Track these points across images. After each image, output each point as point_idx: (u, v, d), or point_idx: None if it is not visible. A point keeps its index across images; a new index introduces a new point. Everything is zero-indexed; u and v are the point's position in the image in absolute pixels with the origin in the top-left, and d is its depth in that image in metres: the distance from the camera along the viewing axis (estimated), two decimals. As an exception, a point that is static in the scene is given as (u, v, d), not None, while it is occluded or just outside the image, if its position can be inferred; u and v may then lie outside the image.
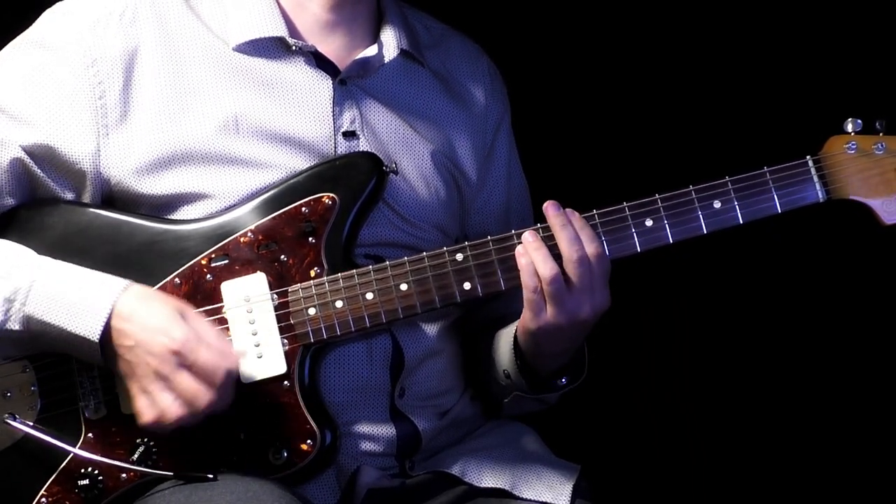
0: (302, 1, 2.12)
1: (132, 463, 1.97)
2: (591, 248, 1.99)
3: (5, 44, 2.11)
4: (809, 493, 2.92)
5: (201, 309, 1.99)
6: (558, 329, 2.00)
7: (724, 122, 2.82)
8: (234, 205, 2.04)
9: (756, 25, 2.83)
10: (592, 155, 2.87)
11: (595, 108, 2.89)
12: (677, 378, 2.96)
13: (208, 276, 2.02)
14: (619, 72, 2.89)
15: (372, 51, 2.14)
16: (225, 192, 2.04)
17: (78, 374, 2.01)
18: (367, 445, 2.06)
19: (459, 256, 2.03)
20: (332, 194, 2.04)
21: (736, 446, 2.96)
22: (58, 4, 2.10)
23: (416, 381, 2.11)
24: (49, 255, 2.01)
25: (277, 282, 2.02)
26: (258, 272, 2.02)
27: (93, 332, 1.92)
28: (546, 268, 1.98)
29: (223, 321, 2.00)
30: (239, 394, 1.97)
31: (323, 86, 2.10)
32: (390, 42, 2.15)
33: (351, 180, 2.05)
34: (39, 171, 2.05)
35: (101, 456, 1.97)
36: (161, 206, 2.05)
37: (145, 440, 1.98)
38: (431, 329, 2.12)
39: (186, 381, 1.90)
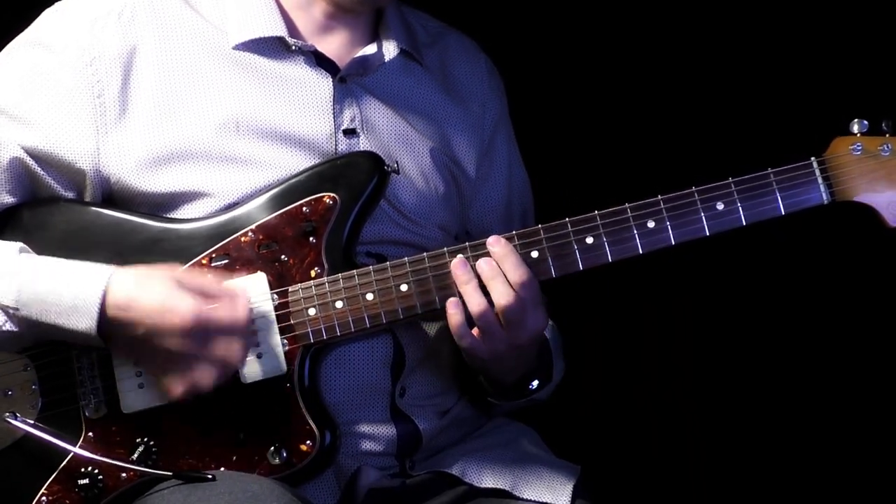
0: (303, 4, 2.11)
1: (132, 462, 1.97)
2: (514, 276, 1.97)
3: (5, 44, 2.10)
4: (809, 493, 2.92)
5: (211, 306, 1.96)
6: (499, 355, 2.01)
7: (728, 122, 2.81)
8: (235, 204, 2.04)
9: (761, 26, 2.82)
10: (594, 156, 2.87)
11: (597, 109, 2.88)
12: (678, 379, 2.96)
13: (209, 275, 2.01)
14: (621, 72, 2.88)
15: (371, 49, 2.13)
16: (225, 191, 2.04)
17: (78, 373, 2.01)
18: (367, 445, 2.06)
19: (459, 257, 2.02)
20: (332, 194, 2.04)
21: (736, 446, 2.96)
22: (57, 4, 2.10)
23: (417, 381, 2.11)
24: (51, 254, 2.01)
25: (278, 282, 2.01)
26: (258, 272, 2.02)
27: (89, 326, 1.92)
28: (473, 302, 1.98)
29: (223, 321, 2.00)
30: (239, 394, 1.98)
31: (323, 84, 2.10)
32: (389, 41, 2.15)
33: (352, 180, 2.04)
34: (39, 170, 2.05)
35: (101, 455, 1.97)
36: (161, 205, 2.05)
37: (145, 440, 1.98)
38: (432, 329, 2.12)
39: (217, 346, 1.91)
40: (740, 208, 2.02)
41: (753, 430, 2.94)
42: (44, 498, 1.98)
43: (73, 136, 2.03)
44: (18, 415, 2.00)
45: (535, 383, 2.11)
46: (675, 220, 2.02)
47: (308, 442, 1.98)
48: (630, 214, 2.02)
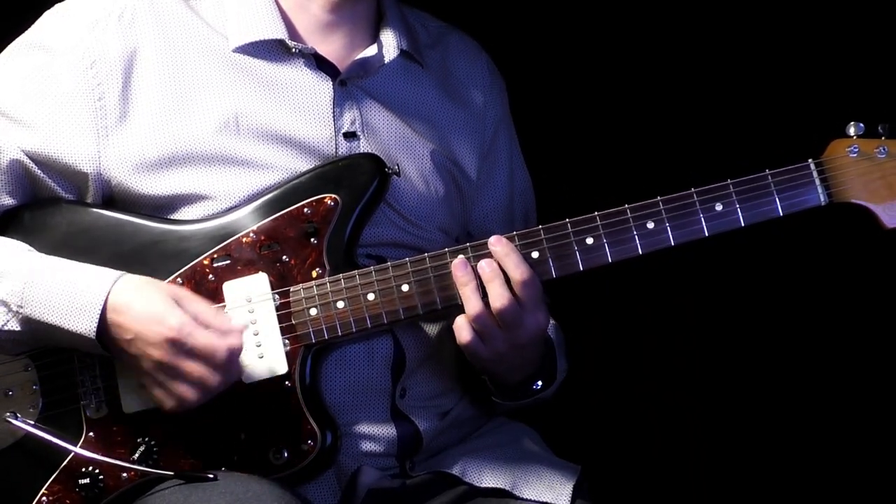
0: (302, 2, 2.12)
1: (133, 462, 1.98)
2: (516, 275, 1.97)
3: (5, 44, 2.11)
4: (809, 493, 2.92)
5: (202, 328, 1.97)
6: (501, 356, 2.01)
7: (727, 124, 2.82)
8: (236, 205, 2.04)
9: (759, 28, 2.83)
10: (594, 157, 2.87)
11: (597, 110, 2.89)
12: (678, 379, 2.97)
13: (210, 276, 2.02)
14: (621, 73, 2.89)
15: (371, 51, 2.14)
16: (225, 193, 2.04)
17: (79, 373, 2.01)
18: (367, 446, 2.06)
19: (460, 258, 2.03)
20: (334, 195, 2.04)
21: (736, 446, 2.96)
22: (57, 6, 2.10)
23: (418, 382, 2.11)
24: (52, 255, 2.01)
25: (279, 282, 2.02)
26: (260, 272, 2.02)
27: (89, 328, 1.93)
28: (470, 304, 1.99)
29: (225, 321, 2.01)
30: (240, 394, 1.98)
31: (323, 87, 2.10)
32: (390, 42, 2.15)
33: (353, 181, 2.05)
34: (39, 172, 2.05)
35: (102, 455, 1.97)
36: (161, 207, 2.05)
37: (146, 440, 1.98)
38: (433, 329, 2.13)
39: (191, 366, 1.91)
40: (739, 209, 2.03)
41: (753, 429, 2.95)
42: (44, 498, 1.98)
43: (74, 138, 2.04)
44: (19, 415, 2.00)
45: (539, 384, 2.11)
46: (674, 221, 2.03)
47: (309, 442, 1.99)
48: (630, 215, 2.03)
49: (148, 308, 1.92)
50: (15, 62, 2.08)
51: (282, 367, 2.00)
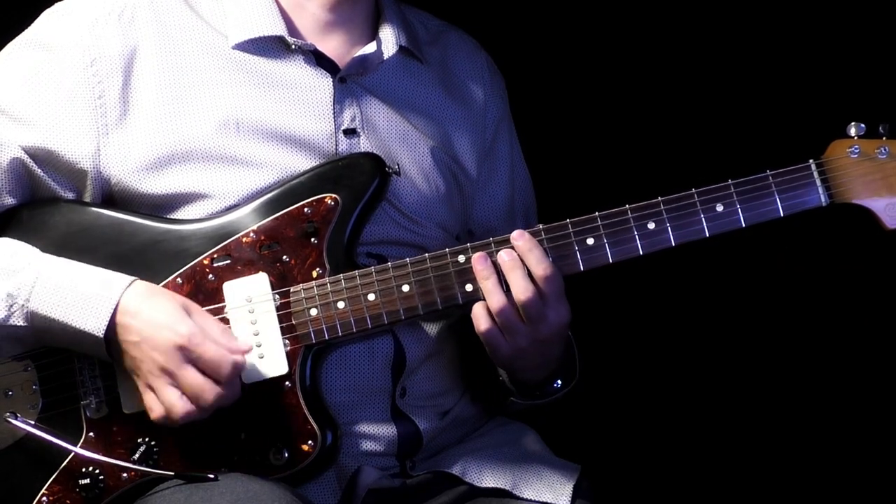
0: (300, 1, 2.12)
1: (133, 462, 1.97)
2: (539, 271, 1.97)
3: (5, 44, 2.10)
4: (809, 493, 2.93)
5: (203, 309, 1.98)
6: (523, 351, 2.01)
7: (728, 125, 2.82)
8: (236, 205, 2.04)
9: (760, 28, 2.83)
10: (595, 157, 2.87)
11: (598, 110, 2.89)
12: (678, 379, 2.97)
13: (210, 276, 2.02)
14: (622, 73, 2.89)
15: (371, 48, 2.14)
16: (225, 192, 2.04)
17: (79, 373, 2.01)
18: (367, 445, 2.06)
19: (461, 258, 2.03)
20: (334, 195, 2.04)
21: (736, 447, 2.96)
22: (57, 4, 2.10)
23: (418, 381, 2.11)
24: (52, 254, 2.01)
25: (279, 282, 2.02)
26: (260, 272, 2.02)
27: (98, 327, 1.93)
28: (493, 299, 1.98)
29: (225, 321, 2.00)
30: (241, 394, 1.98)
31: (323, 84, 2.10)
32: (389, 39, 2.15)
33: (353, 181, 2.04)
34: (40, 170, 2.05)
35: (103, 455, 1.97)
36: (161, 206, 2.05)
37: (146, 440, 1.98)
38: (433, 329, 2.13)
39: (192, 376, 1.91)
40: (740, 210, 2.03)
41: (753, 429, 2.95)
42: (45, 498, 1.98)
43: (74, 137, 2.03)
44: (19, 415, 1.99)
45: (559, 382, 2.11)
46: (675, 221, 2.03)
47: (309, 442, 1.99)
48: (630, 216, 2.03)
49: (159, 313, 1.92)
50: (15, 60, 2.08)
51: (282, 368, 1.99)
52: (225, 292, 2.01)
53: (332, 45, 2.12)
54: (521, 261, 1.98)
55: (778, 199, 2.03)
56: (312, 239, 2.03)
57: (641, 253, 2.03)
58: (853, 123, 2.06)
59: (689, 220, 2.03)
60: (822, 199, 2.04)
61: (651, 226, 2.03)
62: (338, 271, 2.02)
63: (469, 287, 2.02)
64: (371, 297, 2.01)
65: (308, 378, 2.01)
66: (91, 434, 1.99)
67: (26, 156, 2.04)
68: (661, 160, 2.82)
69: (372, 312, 2.01)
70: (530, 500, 2.07)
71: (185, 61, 2.07)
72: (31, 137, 2.04)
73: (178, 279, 2.02)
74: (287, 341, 2.00)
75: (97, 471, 1.98)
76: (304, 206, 2.04)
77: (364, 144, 2.10)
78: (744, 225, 2.03)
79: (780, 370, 2.94)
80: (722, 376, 2.95)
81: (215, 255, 2.02)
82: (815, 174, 2.04)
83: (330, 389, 2.04)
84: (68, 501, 1.98)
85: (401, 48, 2.16)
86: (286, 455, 1.98)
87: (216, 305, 2.01)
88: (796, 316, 2.91)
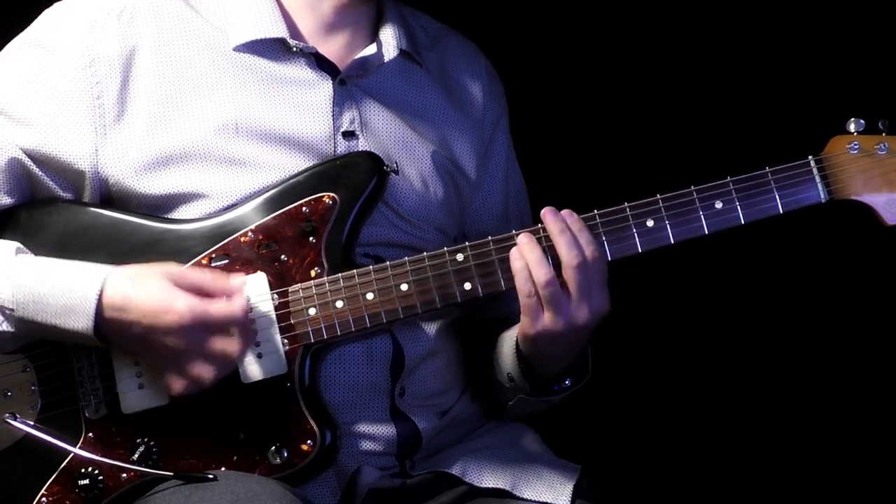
0: (312, 2, 2.12)
1: (132, 463, 1.97)
2: (588, 251, 1.98)
3: (4, 44, 2.10)
4: (809, 493, 2.92)
5: (208, 301, 1.95)
6: (558, 334, 1.99)
7: (726, 121, 2.82)
8: (234, 204, 2.04)
9: (759, 25, 2.83)
10: (594, 155, 2.87)
11: (596, 108, 2.89)
12: (678, 378, 2.96)
13: (206, 272, 2.01)
14: (620, 71, 2.89)
15: (371, 50, 2.14)
16: (223, 193, 2.04)
17: (78, 374, 2.01)
18: (367, 445, 2.06)
19: (460, 256, 2.02)
20: (332, 194, 2.04)
21: (736, 447, 2.96)
22: (56, 4, 2.10)
23: (417, 381, 2.11)
24: (49, 255, 2.01)
25: (278, 282, 2.01)
26: (258, 272, 2.02)
27: (85, 326, 1.93)
28: (541, 272, 1.97)
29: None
30: (239, 394, 1.98)
31: (323, 86, 2.10)
32: (389, 41, 2.15)
33: (351, 180, 2.04)
34: (38, 170, 2.05)
35: (102, 456, 1.97)
36: (159, 206, 2.05)
37: (146, 440, 1.98)
38: (431, 328, 2.12)
39: (213, 342, 1.91)
40: (739, 207, 2.02)
41: (753, 429, 2.95)
42: (44, 499, 1.98)
43: (72, 137, 2.03)
44: (18, 416, 1.99)
45: (569, 381, 2.10)
46: (674, 218, 2.02)
47: (309, 442, 1.98)
48: (629, 213, 2.02)
49: (150, 299, 1.91)
50: (14, 60, 2.08)
51: (281, 368, 1.99)
52: (224, 292, 2.01)
53: (333, 48, 2.12)
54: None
55: (777, 196, 2.03)
56: (311, 238, 2.03)
57: (640, 250, 2.03)
58: (852, 119, 2.05)
59: (688, 218, 2.02)
60: (822, 195, 2.04)
61: (650, 223, 2.02)
62: (336, 271, 2.02)
63: (467, 286, 2.02)
64: (370, 296, 2.01)
65: (307, 378, 2.00)
66: (90, 435, 1.99)
67: (24, 156, 2.04)
68: (659, 158, 2.82)
69: (370, 312, 2.01)
70: (530, 501, 2.06)
71: (185, 62, 2.07)
72: (29, 137, 2.04)
73: (177, 279, 2.01)
74: (286, 341, 2.00)
75: (96, 471, 1.98)
76: (302, 205, 2.04)
77: (363, 147, 2.10)
78: (743, 222, 2.03)
79: (780, 368, 2.94)
80: (722, 375, 2.94)
81: (213, 255, 2.02)
82: (815, 170, 2.04)
83: (329, 389, 2.03)
84: (67, 502, 1.98)
85: (401, 52, 2.15)
86: (285, 455, 1.98)
87: (211, 301, 2.00)
88: (796, 313, 2.90)
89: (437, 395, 2.14)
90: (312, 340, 2.00)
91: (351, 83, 2.12)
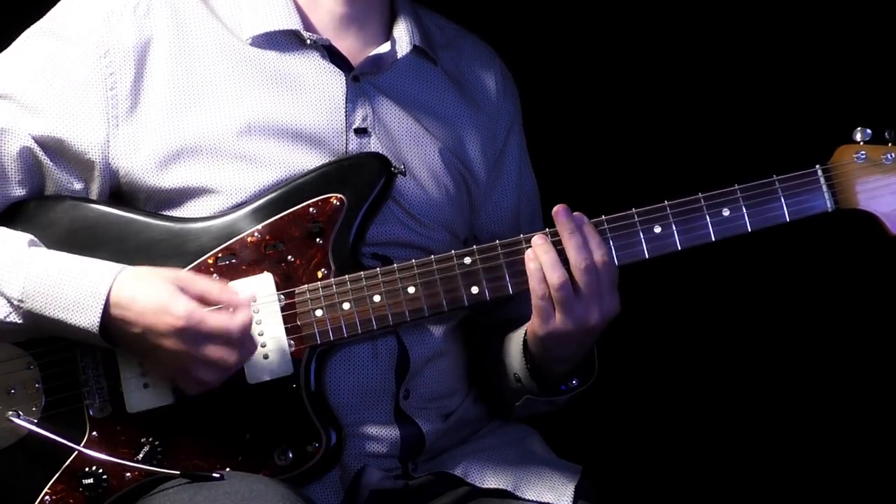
0: None
1: (137, 462, 1.97)
2: (598, 255, 1.99)
3: (6, 43, 2.09)
4: (810, 493, 2.94)
5: (209, 309, 1.95)
6: (567, 335, 2.00)
7: (734, 129, 2.82)
8: (242, 203, 2.03)
9: (767, 33, 2.83)
10: (602, 161, 2.87)
11: (605, 114, 2.88)
12: (681, 381, 2.97)
13: (214, 275, 2.01)
14: (629, 78, 2.88)
15: (385, 47, 2.13)
16: (233, 188, 2.03)
17: (83, 372, 2.00)
18: (371, 446, 2.06)
19: (468, 260, 2.03)
20: (339, 195, 2.03)
21: (737, 449, 2.97)
22: (72, -6, 2.09)
23: (421, 383, 2.11)
24: (53, 249, 2.00)
25: (284, 282, 2.01)
26: (265, 272, 2.01)
27: (91, 323, 1.92)
28: (555, 274, 1.98)
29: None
30: (245, 394, 1.97)
31: (336, 82, 2.09)
32: (403, 38, 2.14)
33: (359, 181, 2.04)
34: (49, 160, 2.04)
35: (106, 454, 1.96)
36: (168, 201, 2.04)
37: (151, 439, 1.98)
38: (437, 331, 2.12)
39: (208, 350, 1.90)
40: (746, 214, 2.03)
41: (754, 432, 2.96)
42: (47, 497, 1.98)
43: (84, 126, 2.02)
44: (22, 413, 1.99)
45: (575, 382, 2.11)
46: (681, 225, 2.03)
47: (314, 443, 1.98)
48: (637, 219, 2.03)
49: (152, 299, 1.91)
50: (28, 49, 2.06)
51: (287, 369, 1.99)
52: (229, 292, 2.00)
53: (347, 44, 2.11)
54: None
55: (784, 205, 2.03)
56: (318, 239, 2.03)
57: (647, 256, 2.03)
58: (859, 129, 2.06)
59: (695, 225, 2.03)
60: (829, 204, 2.05)
61: (657, 230, 2.03)
62: (343, 272, 2.01)
63: (475, 289, 2.02)
64: (377, 298, 2.01)
65: (313, 379, 2.00)
66: (95, 433, 1.99)
67: (36, 145, 2.03)
68: (667, 164, 2.82)
69: (377, 314, 2.01)
70: (532, 501, 2.07)
71: (199, 56, 2.06)
72: (40, 125, 2.03)
73: (183, 278, 2.01)
74: (292, 342, 2.00)
75: (101, 470, 1.97)
76: (309, 205, 2.03)
77: (374, 144, 2.09)
78: (750, 230, 2.03)
79: (784, 375, 2.95)
80: (725, 380, 2.95)
81: (220, 255, 2.02)
82: (822, 179, 2.05)
83: (334, 390, 2.03)
84: (71, 501, 1.97)
85: (415, 48, 2.14)
86: (290, 455, 1.98)
87: (220, 305, 2.00)
88: (801, 321, 2.91)
89: (442, 397, 2.14)
90: (319, 342, 2.00)
91: (364, 80, 2.11)
